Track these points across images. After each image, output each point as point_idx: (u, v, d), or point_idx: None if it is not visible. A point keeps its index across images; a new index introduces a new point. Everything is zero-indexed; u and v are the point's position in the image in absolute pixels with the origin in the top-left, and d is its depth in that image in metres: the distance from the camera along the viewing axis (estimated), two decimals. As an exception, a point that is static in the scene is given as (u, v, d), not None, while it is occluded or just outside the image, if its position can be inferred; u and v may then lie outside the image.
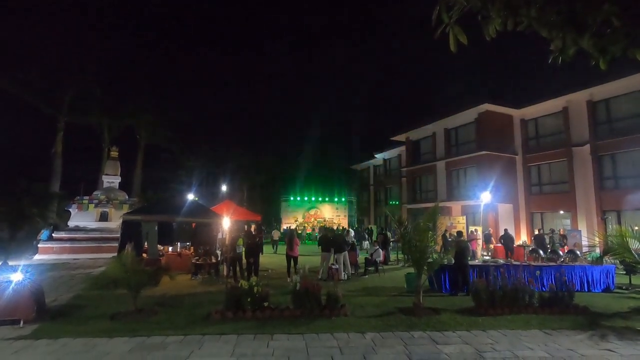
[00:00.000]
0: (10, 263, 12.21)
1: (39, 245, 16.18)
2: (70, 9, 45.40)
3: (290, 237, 11.44)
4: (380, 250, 12.82)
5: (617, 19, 2.43)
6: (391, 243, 16.54)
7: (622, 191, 16.60)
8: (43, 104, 23.99)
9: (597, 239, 11.11)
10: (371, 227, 28.18)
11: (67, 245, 16.47)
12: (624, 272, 10.61)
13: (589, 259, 10.64)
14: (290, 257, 11.03)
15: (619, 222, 15.87)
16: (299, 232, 27.07)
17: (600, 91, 17.67)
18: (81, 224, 18.05)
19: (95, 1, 51.39)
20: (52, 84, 24.04)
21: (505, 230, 16.16)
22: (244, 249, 10.88)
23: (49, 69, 24.50)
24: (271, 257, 16.14)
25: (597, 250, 11.45)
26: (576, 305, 7.28)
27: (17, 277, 6.34)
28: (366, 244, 21.01)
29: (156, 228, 12.75)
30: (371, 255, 12.50)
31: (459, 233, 11.06)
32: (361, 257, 13.37)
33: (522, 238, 20.06)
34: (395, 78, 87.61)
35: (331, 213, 32.72)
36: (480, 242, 16.35)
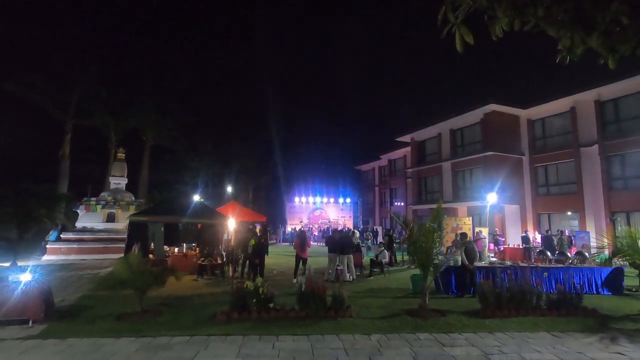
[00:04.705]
0: (19, 263, 12.36)
1: (47, 246, 16.36)
2: (74, 10, 46.03)
3: (302, 238, 11.39)
4: (386, 251, 12.76)
5: (627, 17, 2.39)
6: (395, 244, 16.46)
7: (632, 192, 16.38)
8: (50, 105, 24.20)
9: (605, 240, 10.97)
10: (376, 228, 28.14)
11: (75, 246, 16.63)
12: (634, 274, 10.45)
13: (597, 260, 10.49)
14: (300, 259, 11.03)
15: (628, 224, 15.66)
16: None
17: (608, 91, 17.47)
18: (89, 225, 18.23)
19: (100, 2, 52.02)
20: (59, 86, 24.25)
21: (526, 231, 16.17)
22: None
23: (55, 70, 24.75)
24: (276, 258, 16.15)
25: (606, 252, 11.32)
26: (585, 307, 7.18)
27: (26, 277, 6.41)
28: (369, 243, 21.16)
29: (162, 229, 12.83)
30: (376, 256, 12.46)
31: (464, 234, 10.97)
32: (366, 259, 13.34)
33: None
34: (400, 78, 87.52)
35: (336, 214, 32.72)
36: (486, 242, 16.22)
